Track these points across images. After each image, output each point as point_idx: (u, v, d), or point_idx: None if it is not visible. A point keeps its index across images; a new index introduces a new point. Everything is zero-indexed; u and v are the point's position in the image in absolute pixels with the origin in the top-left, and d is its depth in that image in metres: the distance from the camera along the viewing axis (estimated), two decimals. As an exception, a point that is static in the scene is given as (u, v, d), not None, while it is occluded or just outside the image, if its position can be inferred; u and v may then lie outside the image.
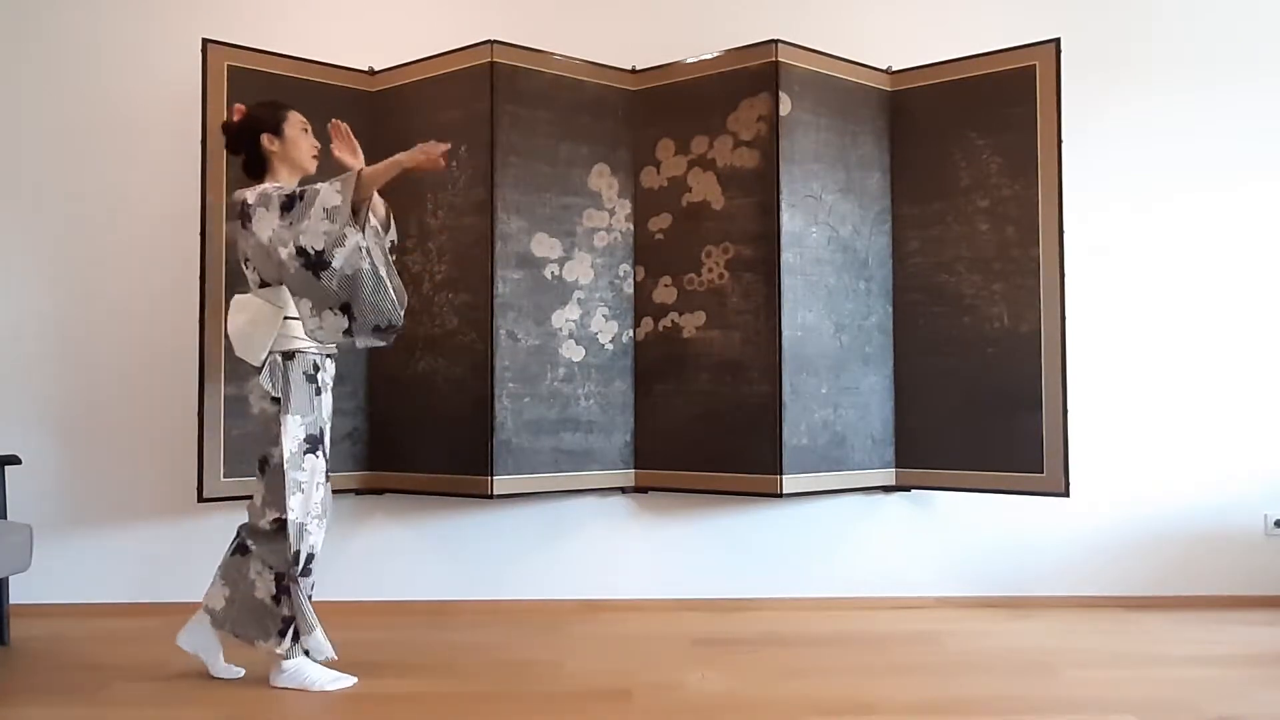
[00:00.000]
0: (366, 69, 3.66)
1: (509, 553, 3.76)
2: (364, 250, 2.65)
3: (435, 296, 3.52)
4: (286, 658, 2.77)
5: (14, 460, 3.36)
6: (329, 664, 2.82)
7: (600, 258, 3.62)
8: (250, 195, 2.73)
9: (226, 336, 2.86)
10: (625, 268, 3.66)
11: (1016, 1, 3.85)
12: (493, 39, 3.44)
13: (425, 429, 3.53)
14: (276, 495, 2.74)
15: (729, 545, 3.80)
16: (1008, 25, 3.73)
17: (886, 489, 3.72)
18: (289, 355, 2.75)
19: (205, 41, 3.39)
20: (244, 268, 2.81)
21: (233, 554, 2.89)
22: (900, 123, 3.67)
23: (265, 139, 2.81)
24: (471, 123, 3.45)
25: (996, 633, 3.41)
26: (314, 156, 2.88)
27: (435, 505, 3.73)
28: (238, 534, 2.89)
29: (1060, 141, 3.40)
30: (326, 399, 2.83)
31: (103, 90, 3.75)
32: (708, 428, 3.51)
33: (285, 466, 2.70)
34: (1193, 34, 3.86)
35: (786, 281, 3.42)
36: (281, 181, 2.83)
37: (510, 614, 3.67)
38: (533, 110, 3.49)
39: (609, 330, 3.62)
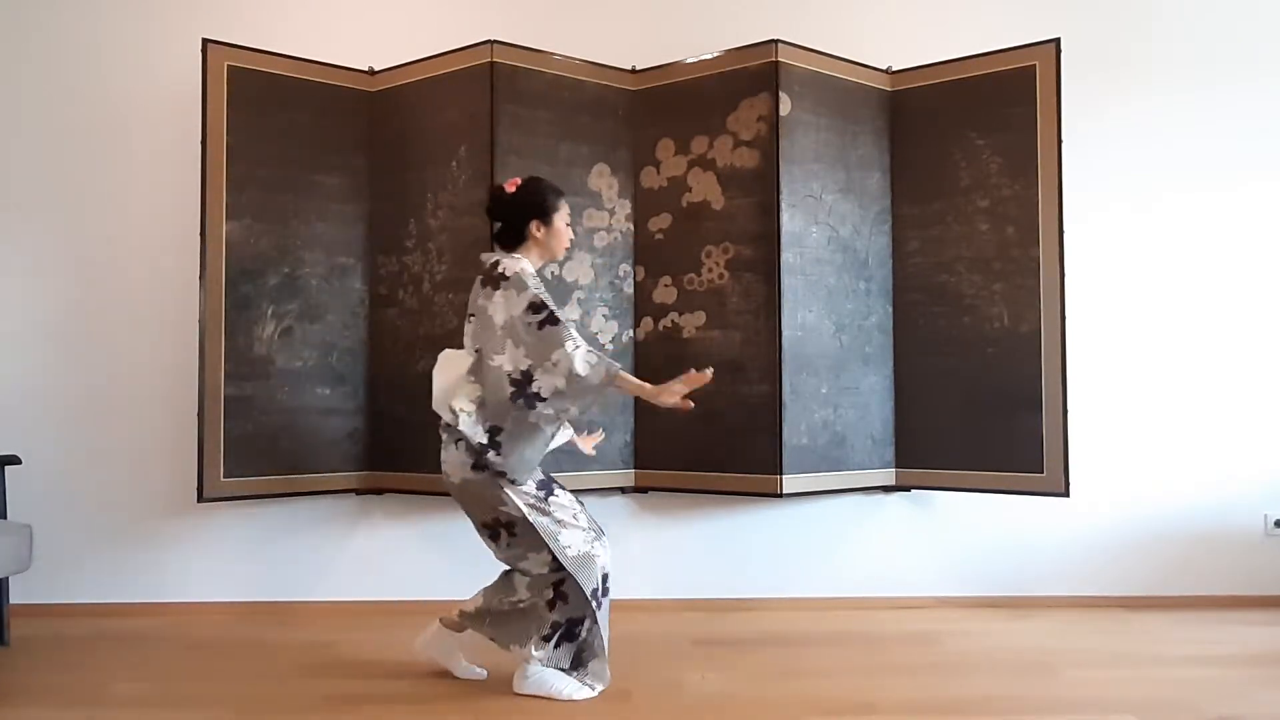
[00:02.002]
0: (366, 69, 3.66)
1: (509, 553, 3.76)
2: (557, 425, 2.74)
3: (435, 296, 3.52)
4: (544, 664, 2.73)
5: (14, 460, 3.36)
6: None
7: (600, 258, 3.62)
8: (510, 267, 2.70)
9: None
10: (625, 268, 3.66)
11: (1016, 1, 3.85)
12: (493, 39, 3.44)
13: (425, 429, 3.51)
14: (535, 545, 2.70)
15: (729, 545, 3.80)
16: (1008, 25, 3.73)
17: (886, 489, 3.72)
18: (540, 398, 2.64)
19: (205, 41, 3.39)
20: (468, 320, 2.77)
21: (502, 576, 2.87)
22: (900, 123, 3.67)
23: (534, 225, 2.78)
24: (471, 123, 3.45)
25: (996, 633, 3.41)
26: (567, 246, 2.87)
27: (435, 505, 3.72)
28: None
29: (1060, 141, 3.40)
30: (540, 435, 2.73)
31: (103, 90, 3.75)
32: (708, 428, 3.51)
33: (532, 518, 2.66)
34: (1193, 34, 3.86)
35: (786, 281, 3.42)
36: (531, 258, 2.79)
37: (510, 614, 3.67)
38: (533, 110, 3.49)
39: (609, 330, 3.62)
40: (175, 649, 3.23)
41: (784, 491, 3.40)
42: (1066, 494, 3.40)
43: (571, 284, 3.56)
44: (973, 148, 3.54)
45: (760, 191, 3.44)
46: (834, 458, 3.53)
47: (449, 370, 2.76)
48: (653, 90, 3.64)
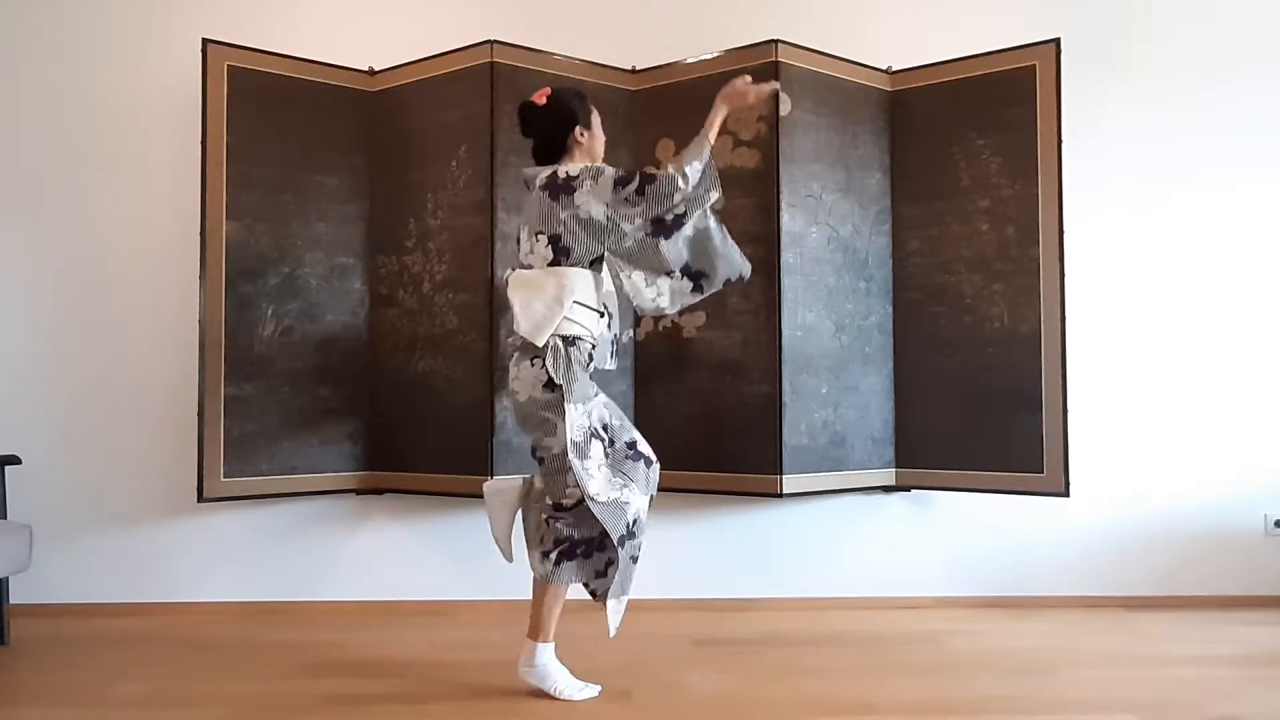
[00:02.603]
0: (366, 69, 3.66)
1: (509, 553, 3.76)
2: (707, 211, 2.73)
3: (435, 296, 3.52)
4: (547, 580, 2.75)
5: (14, 460, 3.36)
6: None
7: (600, 258, 3.61)
8: (570, 168, 2.70)
9: (512, 315, 2.69)
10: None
11: (1016, 1, 3.85)
12: (493, 39, 3.44)
13: (425, 429, 3.53)
14: (555, 484, 2.70)
15: (729, 545, 3.80)
16: (1008, 25, 3.73)
17: (886, 489, 3.72)
18: (570, 341, 2.64)
19: (205, 41, 3.39)
20: (531, 241, 2.72)
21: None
22: (900, 123, 3.67)
23: (578, 131, 2.78)
24: (471, 123, 3.45)
25: (996, 633, 3.41)
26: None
27: (435, 505, 3.73)
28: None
29: (1060, 141, 3.40)
30: (592, 386, 2.73)
31: (103, 90, 3.75)
32: (708, 428, 3.51)
33: (570, 456, 2.61)
34: (1193, 34, 3.86)
35: (786, 281, 3.42)
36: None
37: (510, 614, 3.66)
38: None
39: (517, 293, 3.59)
40: (175, 649, 3.23)
41: (784, 491, 3.40)
42: (1066, 494, 3.40)
43: (571, 284, 3.55)
44: (973, 148, 3.54)
45: (760, 191, 3.44)
46: (834, 458, 3.53)
47: (527, 291, 2.67)
48: (653, 90, 3.64)
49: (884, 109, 3.67)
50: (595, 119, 2.84)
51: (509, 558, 2.88)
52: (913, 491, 3.76)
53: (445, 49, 3.52)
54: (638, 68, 3.67)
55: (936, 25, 3.84)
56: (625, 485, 2.69)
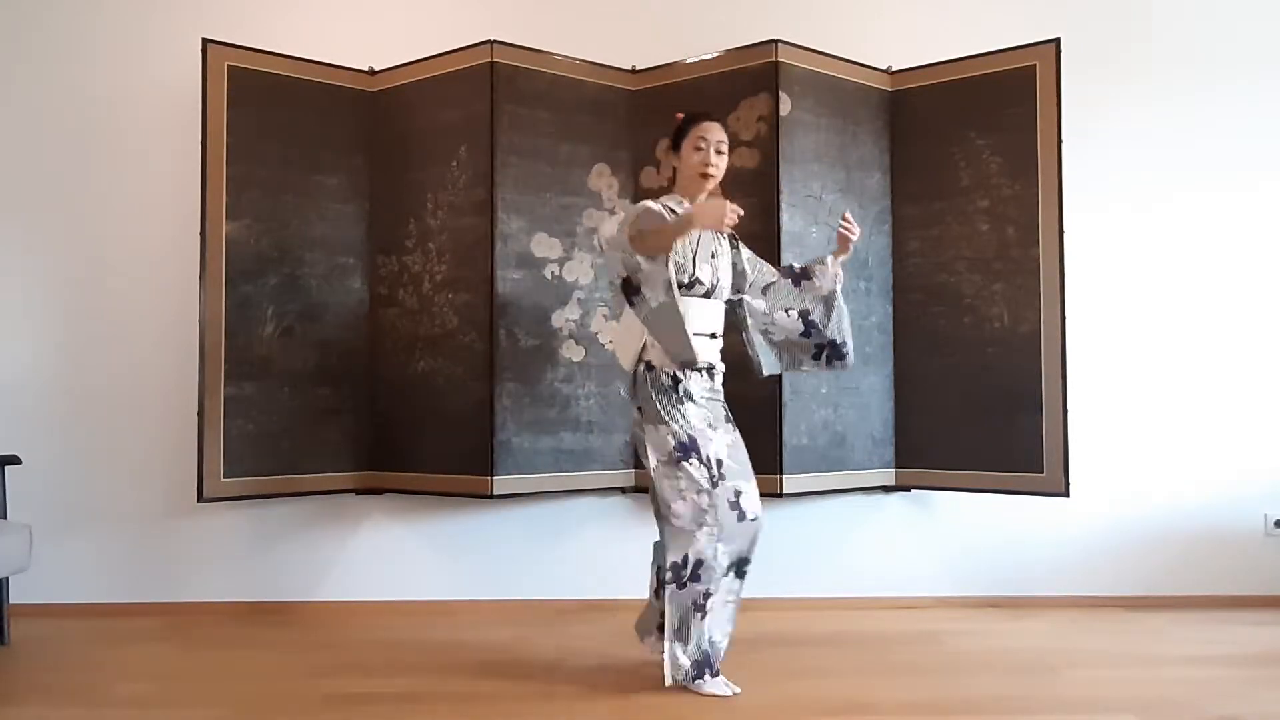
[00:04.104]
0: (366, 69, 3.66)
1: (509, 553, 3.76)
2: (666, 287, 2.70)
3: (435, 296, 3.52)
4: (659, 655, 2.78)
5: (14, 460, 3.36)
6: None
7: (600, 258, 3.61)
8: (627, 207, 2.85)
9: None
10: (625, 268, 3.65)
11: (1016, 1, 3.85)
12: (493, 39, 3.44)
13: (425, 429, 3.53)
14: (656, 498, 2.78)
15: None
16: (1008, 25, 3.72)
17: (886, 489, 3.72)
18: (650, 366, 2.77)
19: (205, 41, 3.39)
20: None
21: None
22: (900, 123, 3.67)
23: (668, 153, 2.89)
24: (471, 123, 3.45)
25: (996, 633, 3.41)
26: (701, 174, 2.83)
27: (435, 505, 3.73)
28: None
29: (1060, 141, 3.40)
30: (694, 409, 2.76)
31: (103, 90, 3.75)
32: (708, 428, 3.51)
33: (655, 474, 2.74)
34: (1193, 34, 3.86)
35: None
36: (678, 193, 2.88)
37: (510, 614, 3.68)
38: (533, 110, 3.49)
39: (609, 330, 3.62)
40: (175, 649, 3.23)
41: (784, 491, 3.40)
42: (1066, 494, 3.40)
43: (571, 284, 3.56)
44: (973, 148, 3.54)
45: (760, 191, 3.44)
46: (834, 457, 3.53)
47: (629, 329, 2.82)
48: (653, 90, 3.64)
49: (884, 109, 3.67)
50: (688, 141, 2.84)
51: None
52: (913, 491, 3.76)
53: (445, 49, 3.52)
54: (638, 68, 3.67)
55: (936, 25, 3.84)
56: (709, 527, 2.71)
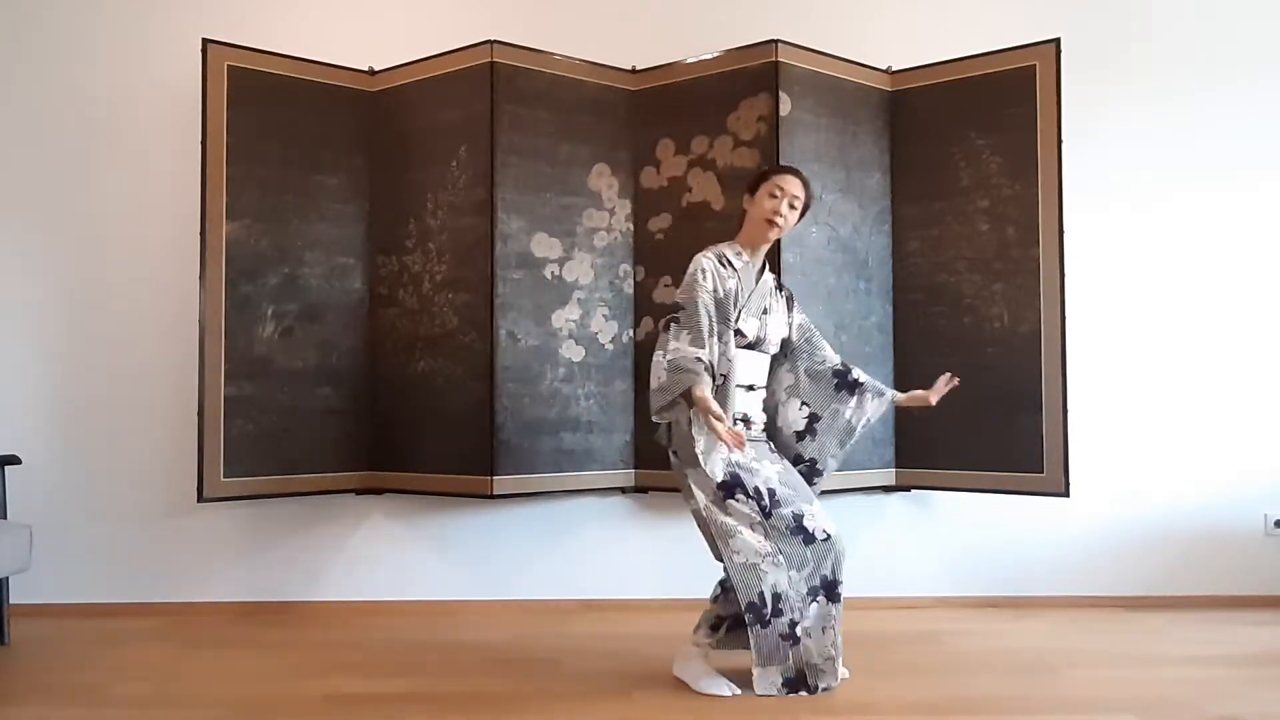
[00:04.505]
0: (366, 69, 3.66)
1: (509, 553, 3.76)
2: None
3: (435, 296, 3.52)
4: (696, 645, 2.82)
5: (14, 460, 3.36)
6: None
7: (600, 258, 3.62)
8: (698, 260, 2.80)
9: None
10: (625, 268, 3.66)
11: (1016, 1, 3.85)
12: (493, 39, 3.44)
13: (425, 429, 3.53)
14: (710, 539, 2.77)
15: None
16: (1008, 25, 3.73)
17: (886, 489, 3.72)
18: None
19: (205, 41, 3.39)
20: None
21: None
22: (900, 123, 3.67)
23: (745, 198, 2.90)
24: (471, 123, 3.45)
25: (996, 633, 3.41)
26: (769, 221, 2.82)
27: (435, 505, 3.73)
28: None
29: (1060, 141, 3.40)
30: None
31: (103, 90, 3.75)
32: (708, 428, 3.51)
33: (706, 515, 2.72)
34: (1193, 34, 3.86)
35: (786, 281, 3.41)
36: (740, 240, 2.89)
37: (510, 614, 3.68)
38: (533, 110, 3.49)
39: (609, 330, 3.62)
40: (175, 649, 3.23)
41: (784, 491, 3.39)
42: (1066, 494, 3.40)
43: (571, 284, 3.56)
44: (973, 148, 3.54)
45: (760, 191, 3.44)
46: (834, 458, 3.52)
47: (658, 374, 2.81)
48: (653, 90, 3.64)
49: (884, 109, 3.67)
50: (764, 189, 2.84)
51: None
52: (913, 491, 3.76)
53: (445, 49, 3.52)
54: (638, 68, 3.67)
55: (936, 25, 3.84)
56: (772, 556, 2.69)
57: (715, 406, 2.61)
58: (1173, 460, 3.82)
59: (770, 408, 2.95)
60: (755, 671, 2.70)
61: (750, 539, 2.69)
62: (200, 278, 3.38)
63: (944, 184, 3.59)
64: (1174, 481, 3.82)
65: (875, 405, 2.93)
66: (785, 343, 2.96)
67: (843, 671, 2.82)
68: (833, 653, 2.72)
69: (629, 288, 3.66)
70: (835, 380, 2.93)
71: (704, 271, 2.76)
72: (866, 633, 3.38)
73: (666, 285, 3.60)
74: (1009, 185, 3.49)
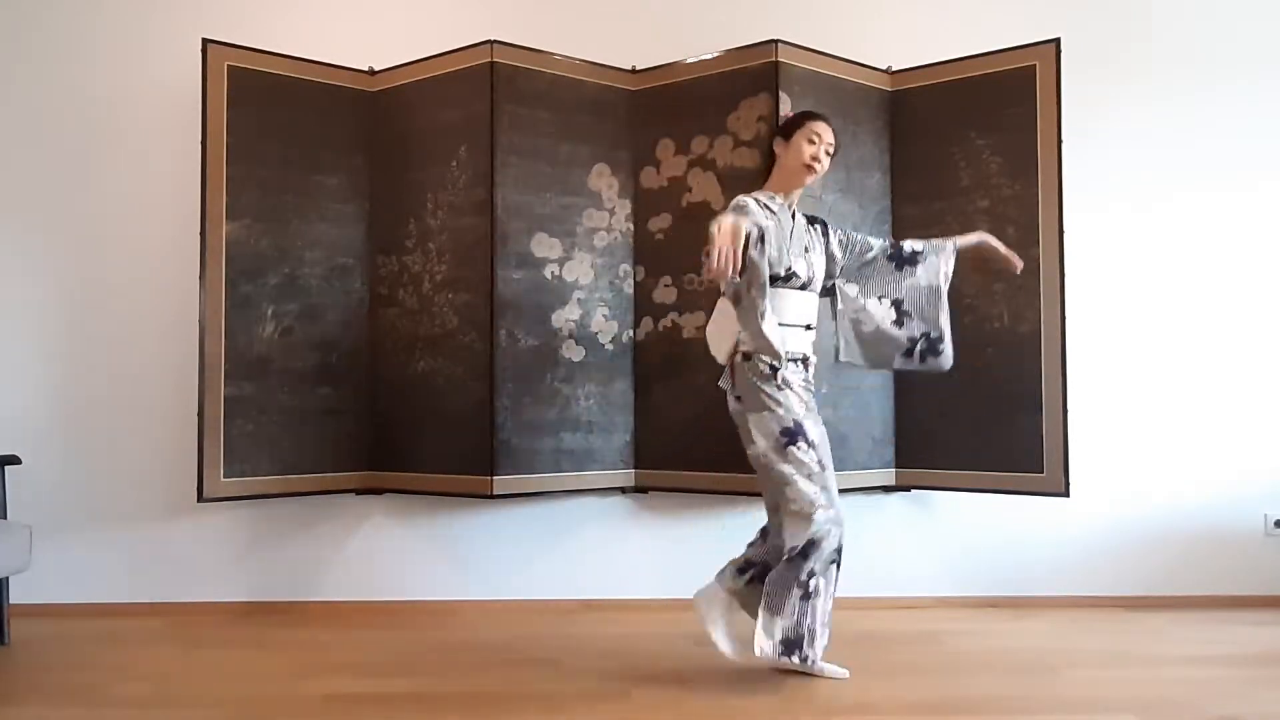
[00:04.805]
0: (366, 69, 3.66)
1: (509, 553, 3.76)
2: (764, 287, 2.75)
3: (435, 296, 3.52)
4: (720, 585, 2.89)
5: (14, 460, 3.36)
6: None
7: (600, 258, 3.62)
8: (735, 200, 2.78)
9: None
10: (625, 268, 3.66)
11: (1016, 1, 3.85)
12: (493, 39, 3.44)
13: (425, 429, 3.53)
14: (765, 487, 2.84)
15: (729, 545, 3.78)
16: (1008, 25, 3.73)
17: (887, 489, 3.72)
18: (746, 357, 2.79)
19: (205, 41, 3.39)
20: None
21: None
22: (900, 123, 3.67)
23: (776, 143, 2.91)
24: (471, 123, 3.45)
25: (996, 633, 3.41)
26: (807, 166, 2.86)
27: (435, 505, 3.73)
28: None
29: (1060, 141, 3.40)
30: (792, 396, 2.78)
31: (103, 90, 3.75)
32: (708, 428, 3.50)
33: (764, 460, 2.77)
34: (1193, 34, 3.86)
35: (786, 281, 3.42)
36: (769, 188, 2.91)
37: (510, 614, 3.68)
38: (533, 110, 3.49)
39: (609, 330, 3.62)
40: (175, 649, 3.23)
41: (784, 491, 3.40)
42: (1066, 494, 3.40)
43: (571, 284, 3.56)
44: (973, 148, 3.54)
45: (760, 191, 3.44)
46: (835, 457, 3.47)
47: (721, 321, 2.88)
48: (653, 90, 3.64)
49: (884, 109, 3.67)
50: (801, 133, 2.86)
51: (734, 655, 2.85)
52: (913, 491, 3.76)
53: (445, 49, 3.52)
54: (638, 68, 3.67)
55: (936, 25, 3.84)
56: (824, 508, 2.73)
57: (740, 232, 2.57)
58: (1173, 460, 3.82)
59: (858, 324, 3.01)
60: (760, 622, 2.73)
61: (806, 488, 2.73)
62: (200, 278, 3.38)
63: (944, 184, 3.59)
64: (1174, 481, 3.82)
65: (945, 259, 3.00)
66: (833, 264, 2.98)
67: (843, 671, 2.82)
68: (827, 621, 2.79)
69: (629, 288, 3.66)
70: (892, 263, 3.00)
71: (744, 206, 2.74)
72: (866, 632, 3.38)
73: (666, 285, 3.60)
74: (1009, 185, 3.49)
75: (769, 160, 2.95)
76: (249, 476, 3.43)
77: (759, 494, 3.44)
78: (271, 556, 3.73)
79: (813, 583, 2.75)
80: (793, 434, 2.76)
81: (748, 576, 2.92)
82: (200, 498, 3.35)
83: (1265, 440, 3.83)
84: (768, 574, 2.80)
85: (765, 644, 2.72)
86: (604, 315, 3.61)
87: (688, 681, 2.85)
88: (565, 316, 3.54)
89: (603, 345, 3.60)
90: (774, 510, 2.87)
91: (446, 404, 3.48)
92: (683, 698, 2.72)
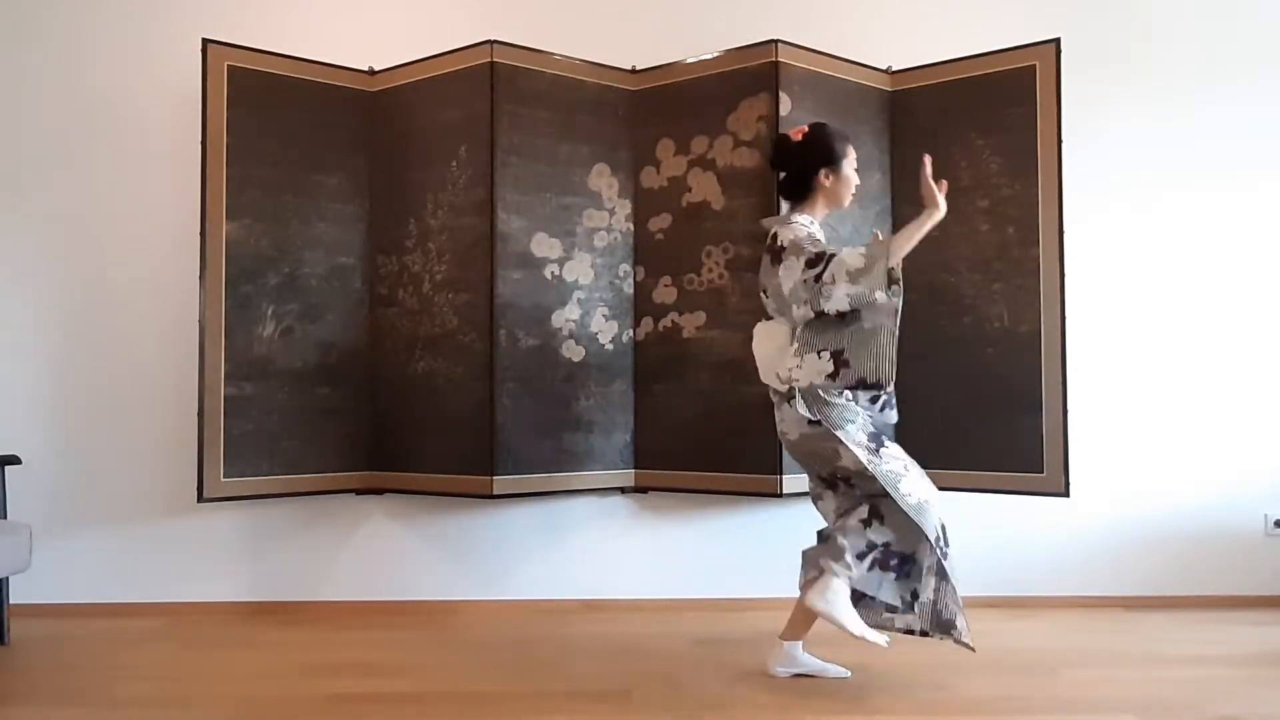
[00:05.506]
0: (366, 69, 3.66)
1: (509, 553, 3.76)
2: (897, 312, 2.73)
3: (435, 296, 3.52)
4: (838, 575, 2.72)
5: (14, 460, 3.36)
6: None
7: (600, 258, 3.62)
8: (785, 236, 2.77)
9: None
10: (625, 268, 3.66)
11: (1016, 1, 3.85)
12: (493, 39, 3.44)
13: (426, 429, 3.53)
14: (871, 489, 2.75)
15: (729, 545, 3.80)
16: (1008, 25, 3.73)
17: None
18: (815, 387, 2.74)
19: (205, 41, 3.39)
20: (763, 296, 2.87)
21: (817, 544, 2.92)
22: (900, 123, 3.67)
23: (823, 174, 2.82)
24: (471, 123, 3.45)
25: (996, 633, 3.41)
26: (853, 195, 2.88)
27: (435, 505, 3.73)
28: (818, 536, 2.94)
29: (1060, 141, 3.40)
30: (852, 403, 2.76)
31: (103, 90, 3.75)
32: (708, 428, 3.51)
33: (868, 470, 2.70)
34: (1193, 34, 3.86)
35: (786, 281, 3.42)
36: (817, 213, 2.86)
37: (510, 614, 3.68)
38: (533, 110, 3.49)
39: (609, 330, 3.62)
40: (175, 649, 3.23)
41: (784, 491, 3.40)
42: (1066, 494, 3.40)
43: (571, 284, 3.56)
44: (973, 148, 3.54)
45: (760, 191, 3.44)
46: (834, 458, 3.52)
47: (767, 342, 2.84)
48: (653, 90, 3.64)
49: (884, 109, 3.67)
50: (848, 163, 2.84)
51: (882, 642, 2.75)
52: (913, 491, 3.76)
53: (445, 49, 3.52)
54: (638, 68, 3.67)
55: (936, 25, 3.84)
56: (934, 494, 2.75)
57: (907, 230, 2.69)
58: (1173, 460, 3.82)
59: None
60: (960, 626, 2.69)
61: (916, 479, 2.74)
62: (200, 278, 3.38)
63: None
64: (1174, 481, 3.82)
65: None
66: None
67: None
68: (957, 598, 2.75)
69: (629, 288, 3.66)
70: None
71: (810, 234, 2.77)
72: (866, 633, 3.38)
73: (666, 285, 3.60)
74: (1009, 185, 3.49)
75: (802, 185, 2.85)
76: (249, 476, 3.43)
77: (758, 494, 3.45)
78: (271, 556, 3.73)
79: (945, 563, 2.72)
80: (876, 436, 2.76)
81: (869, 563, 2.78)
82: (200, 498, 3.35)
83: (1265, 440, 3.83)
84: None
85: (962, 632, 2.70)
86: (604, 315, 3.61)
87: (688, 681, 2.85)
88: (565, 316, 3.54)
89: (603, 345, 3.60)
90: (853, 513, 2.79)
91: (446, 404, 3.48)
92: (683, 698, 2.72)
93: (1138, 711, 2.58)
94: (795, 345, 2.78)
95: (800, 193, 2.87)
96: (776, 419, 2.86)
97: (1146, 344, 3.83)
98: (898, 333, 2.77)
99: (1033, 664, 3.02)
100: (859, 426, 2.74)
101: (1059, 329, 3.40)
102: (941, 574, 2.73)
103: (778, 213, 3.39)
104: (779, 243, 2.78)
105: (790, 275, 2.73)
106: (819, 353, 2.73)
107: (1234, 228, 3.84)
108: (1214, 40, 3.86)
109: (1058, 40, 3.41)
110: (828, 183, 2.83)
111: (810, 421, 2.75)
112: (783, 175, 2.91)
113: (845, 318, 2.72)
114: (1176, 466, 3.82)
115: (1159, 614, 3.64)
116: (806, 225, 2.81)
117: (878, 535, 2.74)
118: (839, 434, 2.72)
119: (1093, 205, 3.77)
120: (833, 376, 2.72)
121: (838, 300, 2.68)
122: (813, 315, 2.73)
